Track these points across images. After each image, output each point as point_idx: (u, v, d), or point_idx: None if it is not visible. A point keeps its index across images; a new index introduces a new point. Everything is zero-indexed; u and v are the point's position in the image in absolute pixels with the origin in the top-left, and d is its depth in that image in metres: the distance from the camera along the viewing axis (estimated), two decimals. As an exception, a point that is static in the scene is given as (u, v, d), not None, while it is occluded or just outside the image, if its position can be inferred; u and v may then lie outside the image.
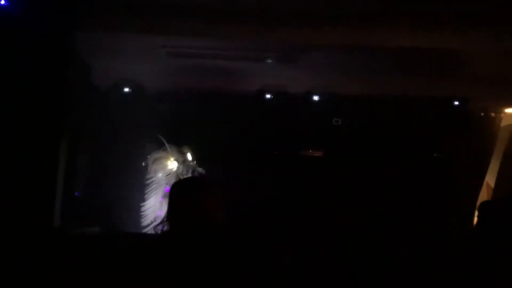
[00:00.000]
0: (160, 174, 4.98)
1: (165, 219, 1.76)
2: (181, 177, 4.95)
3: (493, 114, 5.55)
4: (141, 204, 4.95)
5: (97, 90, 4.87)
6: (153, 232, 1.83)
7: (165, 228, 1.73)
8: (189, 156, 5.10)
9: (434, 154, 5.39)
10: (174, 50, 4.14)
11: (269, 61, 4.52)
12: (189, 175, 4.98)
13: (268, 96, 5.02)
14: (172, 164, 5.05)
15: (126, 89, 4.91)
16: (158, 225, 1.79)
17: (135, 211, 4.94)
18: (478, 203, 5.62)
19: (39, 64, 3.39)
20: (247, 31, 3.86)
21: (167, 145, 5.00)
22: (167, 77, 4.82)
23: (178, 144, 5.02)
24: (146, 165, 4.96)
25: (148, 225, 4.86)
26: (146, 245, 1.72)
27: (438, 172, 5.26)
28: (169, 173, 5.00)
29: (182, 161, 5.08)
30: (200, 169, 5.01)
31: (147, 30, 3.69)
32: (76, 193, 4.74)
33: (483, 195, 5.79)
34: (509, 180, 5.40)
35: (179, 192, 1.80)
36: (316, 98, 5.05)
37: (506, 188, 5.31)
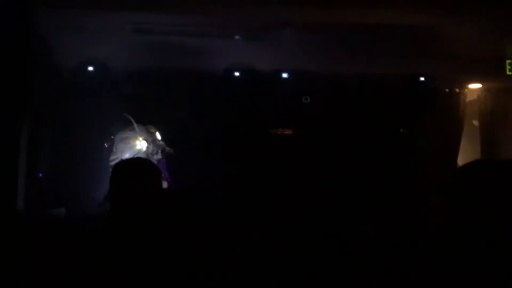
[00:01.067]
0: (127, 155, 4.89)
1: (106, 199, 1.76)
2: (151, 157, 4.89)
3: (457, 90, 5.67)
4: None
5: (59, 70, 4.73)
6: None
7: (107, 208, 1.74)
8: (158, 136, 5.03)
9: (401, 130, 5.47)
10: (138, 26, 4.04)
11: (237, 37, 4.47)
12: (159, 155, 4.92)
13: (236, 74, 4.97)
14: (140, 144, 4.96)
15: (90, 68, 4.77)
16: (100, 204, 1.79)
17: (101, 192, 4.85)
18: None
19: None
20: (214, 7, 3.79)
21: (135, 124, 4.91)
22: (132, 55, 4.71)
23: (144, 123, 4.94)
24: (111, 146, 4.86)
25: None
26: (91, 226, 1.72)
27: (405, 147, 5.35)
28: (137, 154, 4.92)
29: (152, 141, 5.00)
30: (168, 149, 4.95)
31: (109, 5, 3.58)
32: (40, 174, 4.63)
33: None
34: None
35: (121, 171, 1.80)
36: (285, 75, 5.03)
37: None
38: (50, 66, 4.55)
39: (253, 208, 4.72)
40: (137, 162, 2.05)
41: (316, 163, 5.15)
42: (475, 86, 5.62)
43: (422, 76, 5.02)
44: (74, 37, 4.22)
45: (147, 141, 4.97)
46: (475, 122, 5.89)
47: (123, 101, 4.82)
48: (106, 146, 4.78)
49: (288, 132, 5.36)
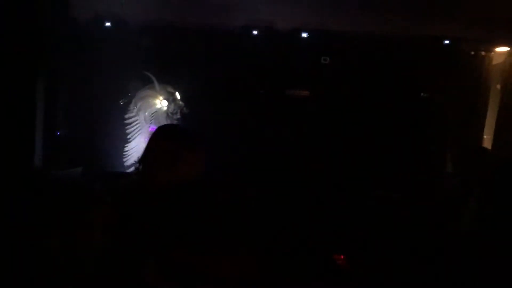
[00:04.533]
0: (146, 113, 4.88)
1: (139, 161, 1.68)
2: (171, 116, 4.87)
3: (483, 53, 5.45)
4: (125, 145, 4.88)
5: (77, 23, 4.65)
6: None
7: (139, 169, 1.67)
8: (178, 95, 4.98)
9: (422, 94, 5.33)
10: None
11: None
12: (178, 115, 4.90)
13: (255, 32, 4.84)
14: (161, 103, 4.93)
15: (108, 23, 4.68)
16: (135, 165, 1.71)
17: (119, 150, 4.88)
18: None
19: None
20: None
21: (156, 82, 4.85)
22: (151, 10, 4.60)
23: (163, 82, 4.89)
24: (126, 103, 4.83)
25: (132, 164, 4.81)
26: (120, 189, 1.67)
27: (425, 112, 5.23)
28: (155, 112, 4.90)
29: (172, 100, 4.96)
30: (185, 108, 4.92)
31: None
32: (58, 133, 4.65)
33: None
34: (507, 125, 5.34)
35: (165, 138, 1.69)
36: (304, 35, 4.89)
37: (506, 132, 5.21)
38: (68, 20, 4.48)
39: (267, 169, 4.72)
40: (187, 132, 1.81)
41: (333, 126, 5.08)
42: (502, 49, 5.40)
43: (447, 39, 4.83)
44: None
45: (168, 100, 4.94)
46: (498, 87, 5.68)
47: (142, 57, 4.75)
48: (122, 103, 4.74)
49: (305, 93, 5.26)
